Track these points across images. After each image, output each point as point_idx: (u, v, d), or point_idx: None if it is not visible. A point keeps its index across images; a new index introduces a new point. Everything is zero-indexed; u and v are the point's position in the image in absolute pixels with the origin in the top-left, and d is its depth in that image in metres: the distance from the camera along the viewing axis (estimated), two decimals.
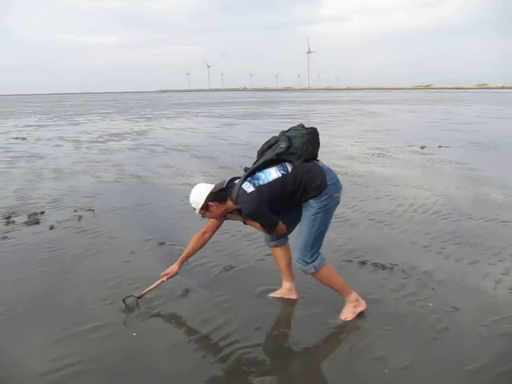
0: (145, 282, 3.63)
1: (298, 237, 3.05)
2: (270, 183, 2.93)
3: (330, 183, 2.95)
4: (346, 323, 3.04)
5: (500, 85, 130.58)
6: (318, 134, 3.07)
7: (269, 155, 3.03)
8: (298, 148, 2.96)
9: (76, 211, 5.75)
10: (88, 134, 15.99)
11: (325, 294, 3.41)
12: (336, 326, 3.02)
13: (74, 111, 33.97)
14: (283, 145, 2.98)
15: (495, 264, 3.99)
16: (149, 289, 3.34)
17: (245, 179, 2.99)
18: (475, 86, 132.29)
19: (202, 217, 3.16)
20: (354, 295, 3.17)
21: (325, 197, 2.95)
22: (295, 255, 3.06)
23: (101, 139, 14.18)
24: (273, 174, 2.96)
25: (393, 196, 6.40)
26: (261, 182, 2.95)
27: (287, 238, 3.34)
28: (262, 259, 4.12)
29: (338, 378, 2.53)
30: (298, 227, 3.10)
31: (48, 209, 5.89)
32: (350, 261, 4.07)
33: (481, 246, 4.41)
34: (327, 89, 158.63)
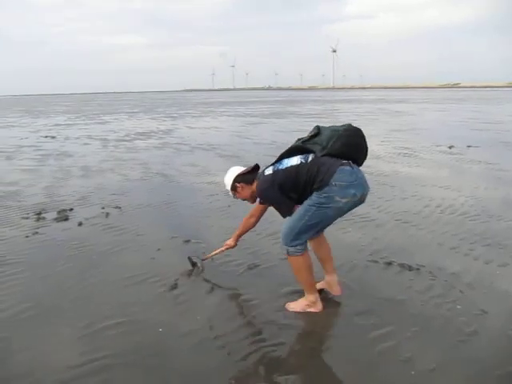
0: (169, 278, 3.69)
1: (289, 218, 3.07)
2: (287, 169, 3.00)
3: (334, 183, 2.88)
4: (373, 325, 3.00)
5: None
6: (359, 135, 3.06)
7: (297, 143, 3.09)
8: (324, 140, 2.97)
9: (103, 208, 5.87)
10: (115, 132, 16.27)
11: (355, 293, 3.39)
12: (362, 327, 2.99)
13: (101, 110, 34.60)
14: (311, 133, 3.02)
15: None
16: (212, 254, 3.84)
17: (272, 164, 3.12)
18: (506, 85, 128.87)
19: (234, 198, 3.38)
20: (314, 297, 3.17)
21: (324, 195, 2.91)
22: (280, 235, 3.13)
23: (127, 138, 14.40)
24: (293, 160, 3.01)
25: (419, 196, 6.30)
26: (280, 167, 3.03)
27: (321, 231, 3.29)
28: (286, 258, 4.10)
29: (363, 379, 2.50)
30: None
31: (76, 206, 6.02)
32: (376, 261, 4.02)
33: (511, 249, 4.31)
34: (352, 88, 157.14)
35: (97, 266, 4.03)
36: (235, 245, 3.65)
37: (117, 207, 5.92)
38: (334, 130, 3.01)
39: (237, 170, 3.26)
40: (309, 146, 3.03)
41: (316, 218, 2.98)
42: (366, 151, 3.18)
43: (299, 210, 3.04)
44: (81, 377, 2.53)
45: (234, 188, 3.24)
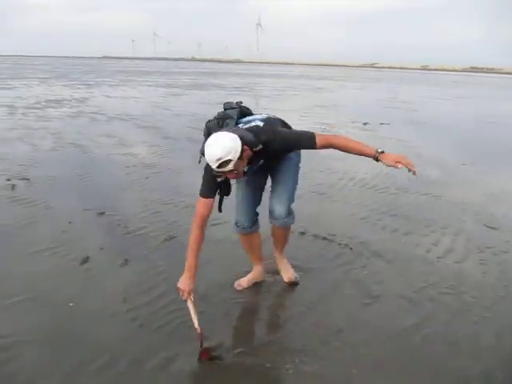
0: (81, 252, 3.54)
1: (282, 188, 2.96)
2: (270, 118, 2.90)
3: None
4: (283, 291, 3.11)
5: (441, 67, 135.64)
6: None
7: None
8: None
9: (9, 180, 5.46)
10: (23, 99, 15.08)
11: (268, 261, 3.47)
12: (273, 293, 3.09)
13: (9, 74, 31.83)
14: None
15: (426, 235, 4.22)
16: (194, 320, 2.51)
17: (241, 123, 2.77)
18: (419, 67, 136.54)
19: (217, 176, 2.53)
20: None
21: (299, 153, 3.08)
22: (282, 207, 2.93)
23: (38, 105, 13.42)
24: (261, 115, 2.90)
25: (334, 170, 6.56)
26: (263, 118, 2.85)
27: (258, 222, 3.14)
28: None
29: (273, 342, 2.59)
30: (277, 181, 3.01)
31: None
32: (291, 231, 4.13)
33: (414, 219, 4.64)
34: (276, 63, 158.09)
35: (3, 240, 3.77)
36: (194, 285, 2.60)
37: (24, 179, 5.53)
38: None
39: (226, 133, 2.49)
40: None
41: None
42: None
43: (292, 175, 3.04)
44: None
45: (241, 154, 2.46)
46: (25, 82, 23.81)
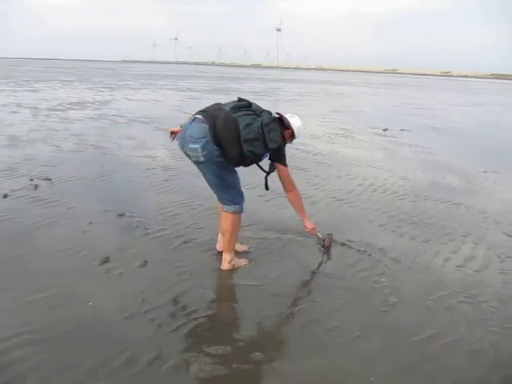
0: (101, 252, 3.60)
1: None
2: None
3: None
4: (304, 296, 3.12)
5: (463, 73, 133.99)
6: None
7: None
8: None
9: (32, 180, 5.57)
10: (47, 101, 15.38)
11: (287, 267, 3.47)
12: (293, 298, 3.09)
13: (33, 77, 32.50)
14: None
15: (446, 243, 4.17)
16: (320, 237, 3.89)
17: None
18: (439, 73, 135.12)
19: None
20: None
21: None
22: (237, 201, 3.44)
23: (61, 107, 13.68)
24: None
25: (354, 175, 6.52)
26: None
27: None
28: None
29: (291, 348, 2.60)
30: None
31: (1, 177, 5.67)
32: (309, 237, 4.14)
33: (434, 226, 4.59)
34: (296, 68, 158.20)
35: (25, 239, 3.84)
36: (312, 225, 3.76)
37: (47, 179, 5.64)
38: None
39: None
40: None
41: None
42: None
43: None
44: (5, 351, 2.43)
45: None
46: (49, 85, 24.29)
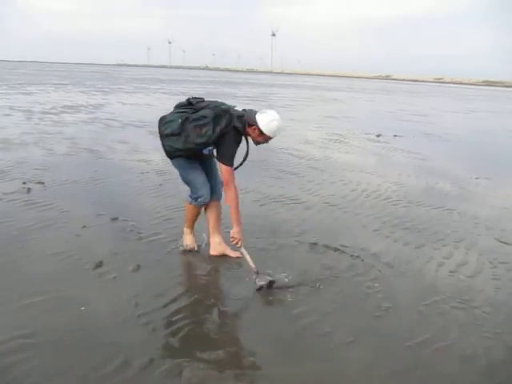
0: (94, 256, 3.58)
1: (216, 177, 3.72)
2: None
3: None
4: (297, 301, 3.11)
5: (456, 79, 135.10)
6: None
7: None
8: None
9: (25, 183, 5.53)
10: (40, 104, 15.31)
11: (281, 272, 3.47)
12: (286, 304, 3.09)
13: (26, 80, 32.38)
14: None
15: (438, 249, 4.20)
16: (250, 262, 3.37)
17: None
18: (432, 80, 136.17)
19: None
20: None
21: None
22: (220, 187, 3.68)
23: (54, 111, 13.62)
24: None
25: (347, 181, 6.55)
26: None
27: None
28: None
29: (285, 352, 2.60)
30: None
31: None
32: (302, 242, 4.15)
33: (427, 232, 4.62)
34: (290, 73, 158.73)
35: (17, 243, 3.82)
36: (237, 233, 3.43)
37: (40, 182, 5.61)
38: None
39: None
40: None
41: None
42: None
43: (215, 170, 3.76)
44: None
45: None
46: (42, 88, 24.18)
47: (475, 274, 3.72)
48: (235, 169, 3.46)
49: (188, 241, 3.85)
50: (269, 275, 3.31)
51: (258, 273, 3.31)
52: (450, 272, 3.73)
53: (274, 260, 3.72)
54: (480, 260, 4.00)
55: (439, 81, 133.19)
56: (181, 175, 3.70)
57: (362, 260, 3.82)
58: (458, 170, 7.93)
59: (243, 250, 3.42)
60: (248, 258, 3.38)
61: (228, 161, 3.38)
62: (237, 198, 3.46)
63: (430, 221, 4.97)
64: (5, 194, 5.08)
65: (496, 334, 2.88)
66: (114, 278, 3.31)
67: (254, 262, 3.36)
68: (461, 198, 6.09)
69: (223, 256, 3.74)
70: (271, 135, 3.39)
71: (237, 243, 3.42)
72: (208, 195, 3.65)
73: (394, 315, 3.02)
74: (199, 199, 3.65)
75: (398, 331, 2.85)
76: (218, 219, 3.82)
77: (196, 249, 3.83)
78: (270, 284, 3.24)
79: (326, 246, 4.06)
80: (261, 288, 3.22)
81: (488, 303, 3.25)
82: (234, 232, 3.42)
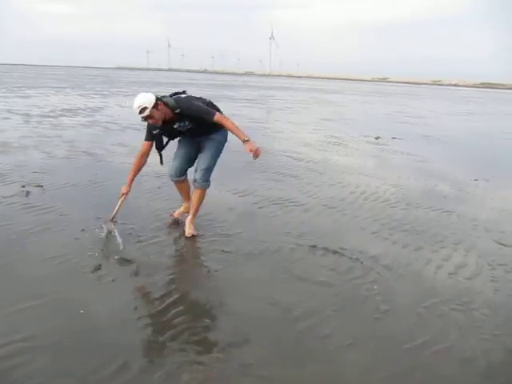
0: (93, 260, 3.58)
1: (202, 161, 4.12)
2: (194, 96, 4.08)
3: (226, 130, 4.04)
4: (296, 304, 3.11)
5: (454, 82, 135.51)
6: None
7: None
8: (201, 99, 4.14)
9: (24, 187, 5.53)
10: (39, 107, 15.32)
11: (280, 275, 3.48)
12: (286, 306, 3.09)
13: (25, 83, 32.40)
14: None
15: (437, 251, 4.20)
16: (116, 210, 4.11)
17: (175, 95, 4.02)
18: (430, 82, 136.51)
19: (144, 120, 3.90)
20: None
21: (226, 136, 4.14)
22: (199, 174, 4.11)
23: (52, 114, 13.63)
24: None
25: (346, 183, 6.56)
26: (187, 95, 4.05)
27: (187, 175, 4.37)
28: (214, 240, 4.14)
29: (286, 355, 2.60)
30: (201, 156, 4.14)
31: None
32: (301, 245, 4.15)
33: (425, 234, 4.62)
34: (289, 76, 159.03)
35: (16, 246, 3.81)
36: (129, 190, 4.15)
37: (38, 186, 5.61)
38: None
39: (143, 92, 3.94)
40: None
41: (218, 155, 4.18)
42: None
43: (213, 150, 4.10)
44: None
45: (155, 105, 3.75)
46: (41, 91, 24.20)
47: (474, 276, 3.72)
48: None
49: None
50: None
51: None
52: (449, 274, 3.73)
53: (272, 262, 3.73)
54: (479, 262, 4.00)
55: (437, 83, 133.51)
56: None
57: (361, 262, 3.83)
58: (456, 171, 7.95)
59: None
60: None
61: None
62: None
63: (429, 223, 4.98)
64: (4, 197, 5.07)
65: (495, 335, 2.88)
66: (113, 280, 3.31)
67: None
68: (459, 199, 6.10)
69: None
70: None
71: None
72: (171, 175, 4.35)
73: (392, 317, 3.03)
74: (170, 174, 4.40)
75: (397, 333, 2.85)
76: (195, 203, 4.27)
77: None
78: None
79: (325, 249, 4.06)
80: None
81: (487, 305, 3.26)
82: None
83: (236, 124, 3.89)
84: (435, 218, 5.18)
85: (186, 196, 4.52)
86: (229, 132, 4.02)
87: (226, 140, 4.17)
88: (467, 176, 7.59)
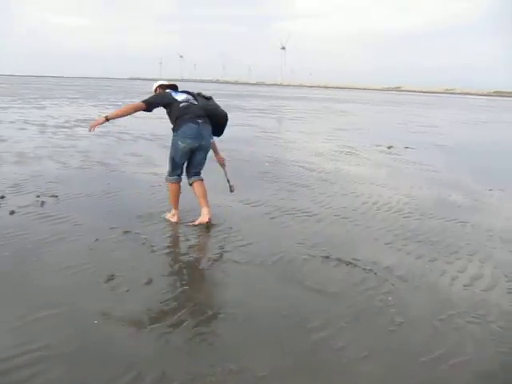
0: (106, 269, 3.60)
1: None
2: (175, 97, 4.82)
3: (179, 131, 4.61)
4: (310, 316, 3.09)
5: (466, 90, 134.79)
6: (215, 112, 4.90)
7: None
8: (203, 101, 4.91)
9: (39, 197, 5.60)
10: (54, 118, 15.56)
11: (293, 286, 3.46)
12: (299, 318, 3.07)
13: (40, 95, 32.94)
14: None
15: (452, 262, 4.15)
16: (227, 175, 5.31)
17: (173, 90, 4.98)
18: (443, 91, 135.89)
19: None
20: (175, 211, 4.85)
21: (174, 137, 4.66)
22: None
23: (67, 124, 13.83)
24: (180, 95, 4.84)
25: (358, 193, 6.53)
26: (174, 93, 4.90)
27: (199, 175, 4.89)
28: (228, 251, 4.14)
29: (299, 367, 2.58)
30: None
31: (8, 193, 5.71)
32: (314, 256, 4.13)
33: (440, 245, 4.57)
34: (300, 85, 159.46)
35: (31, 256, 3.85)
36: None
37: (53, 196, 5.68)
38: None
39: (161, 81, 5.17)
40: (198, 97, 4.82)
41: (172, 153, 4.73)
42: (221, 120, 4.90)
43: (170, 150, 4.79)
44: (12, 369, 2.42)
45: (155, 90, 5.02)
46: (56, 102, 24.60)
47: (490, 288, 3.66)
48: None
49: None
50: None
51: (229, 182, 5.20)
52: (465, 286, 3.68)
53: (286, 273, 3.71)
54: (495, 273, 3.94)
55: (450, 92, 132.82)
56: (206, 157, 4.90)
57: (375, 273, 3.80)
58: (470, 181, 7.87)
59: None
60: (227, 170, 5.27)
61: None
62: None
63: (443, 233, 4.93)
64: (19, 207, 5.14)
65: None
66: (127, 291, 3.32)
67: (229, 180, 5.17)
68: (474, 209, 6.03)
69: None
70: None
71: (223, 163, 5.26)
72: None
73: (408, 330, 2.99)
74: None
75: (413, 346, 2.81)
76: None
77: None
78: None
79: (338, 260, 4.04)
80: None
81: (504, 318, 3.20)
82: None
83: (124, 107, 4.95)
84: (449, 229, 5.12)
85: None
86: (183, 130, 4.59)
87: (178, 138, 4.61)
88: (481, 186, 7.51)
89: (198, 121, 4.56)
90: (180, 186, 4.83)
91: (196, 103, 4.71)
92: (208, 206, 4.71)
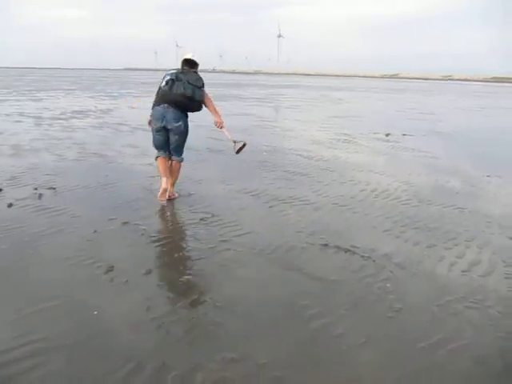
0: (105, 261, 3.60)
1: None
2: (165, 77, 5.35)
3: (151, 114, 5.24)
4: (309, 304, 3.11)
5: (464, 77, 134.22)
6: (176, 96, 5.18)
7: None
8: (176, 85, 5.25)
9: (36, 189, 5.59)
10: (50, 110, 15.47)
11: (292, 274, 3.47)
12: (299, 305, 3.08)
13: (36, 86, 32.72)
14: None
15: (450, 248, 4.16)
16: (228, 135, 5.34)
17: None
18: (440, 77, 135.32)
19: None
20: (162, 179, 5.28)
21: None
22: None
23: (63, 116, 13.75)
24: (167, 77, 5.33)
25: (356, 181, 6.53)
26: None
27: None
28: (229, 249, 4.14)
29: (299, 354, 2.59)
30: None
31: (6, 186, 5.69)
32: (313, 243, 4.14)
33: (438, 231, 4.58)
34: (297, 73, 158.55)
35: (29, 248, 3.85)
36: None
37: (51, 188, 5.66)
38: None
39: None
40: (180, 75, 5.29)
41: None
42: (179, 104, 5.21)
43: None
44: (12, 361, 2.44)
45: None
46: (52, 94, 24.43)
47: (488, 274, 3.68)
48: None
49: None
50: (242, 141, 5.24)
51: (235, 142, 5.28)
52: (463, 272, 3.69)
53: (285, 261, 3.72)
54: (493, 259, 3.96)
55: (447, 78, 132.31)
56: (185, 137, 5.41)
57: (373, 261, 3.81)
58: (468, 168, 7.86)
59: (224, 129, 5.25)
60: (227, 133, 5.32)
61: None
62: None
63: (441, 220, 4.94)
64: (17, 199, 5.13)
65: (510, 333, 2.85)
66: (126, 282, 3.32)
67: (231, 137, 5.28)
68: (472, 196, 6.04)
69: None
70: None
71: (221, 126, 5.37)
72: None
73: (406, 316, 3.00)
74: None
75: (411, 332, 2.83)
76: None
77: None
78: (244, 145, 5.28)
79: (337, 247, 4.05)
80: (240, 150, 5.28)
81: (501, 303, 3.22)
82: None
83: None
84: (447, 215, 5.13)
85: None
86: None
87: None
88: (479, 172, 7.51)
89: (163, 105, 5.09)
90: (165, 162, 5.32)
91: (166, 89, 5.12)
92: (170, 184, 5.26)
